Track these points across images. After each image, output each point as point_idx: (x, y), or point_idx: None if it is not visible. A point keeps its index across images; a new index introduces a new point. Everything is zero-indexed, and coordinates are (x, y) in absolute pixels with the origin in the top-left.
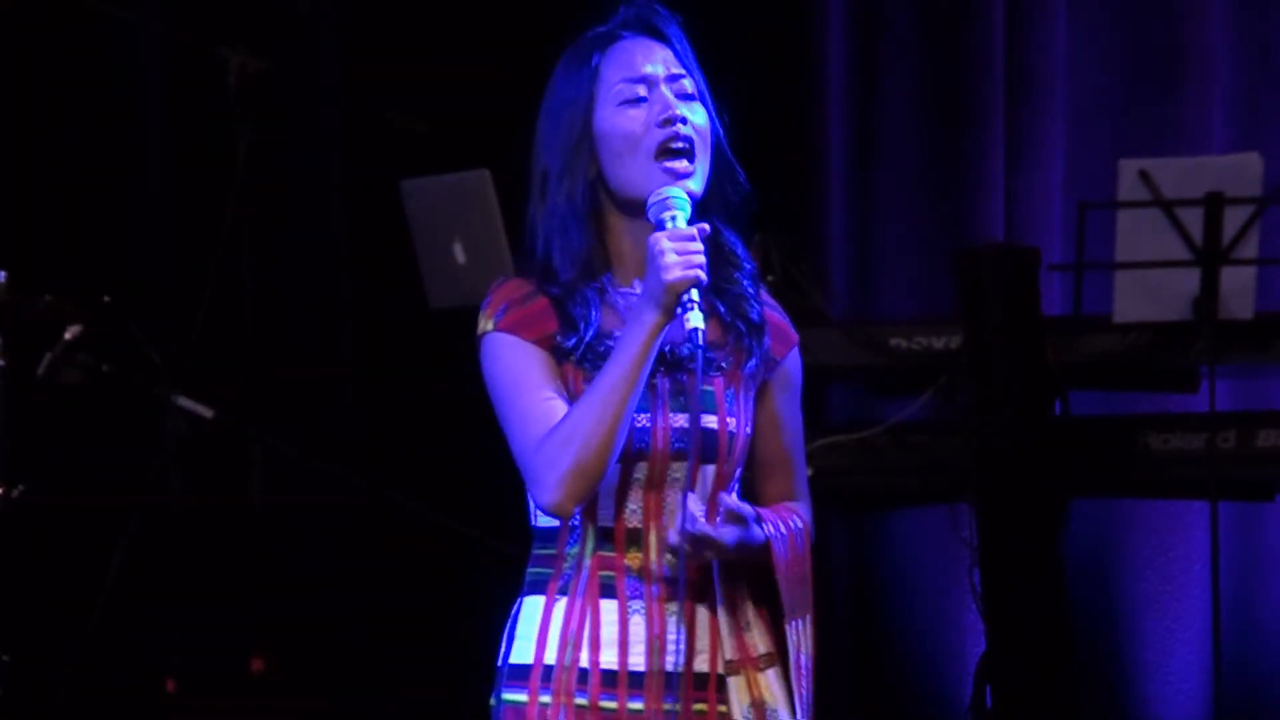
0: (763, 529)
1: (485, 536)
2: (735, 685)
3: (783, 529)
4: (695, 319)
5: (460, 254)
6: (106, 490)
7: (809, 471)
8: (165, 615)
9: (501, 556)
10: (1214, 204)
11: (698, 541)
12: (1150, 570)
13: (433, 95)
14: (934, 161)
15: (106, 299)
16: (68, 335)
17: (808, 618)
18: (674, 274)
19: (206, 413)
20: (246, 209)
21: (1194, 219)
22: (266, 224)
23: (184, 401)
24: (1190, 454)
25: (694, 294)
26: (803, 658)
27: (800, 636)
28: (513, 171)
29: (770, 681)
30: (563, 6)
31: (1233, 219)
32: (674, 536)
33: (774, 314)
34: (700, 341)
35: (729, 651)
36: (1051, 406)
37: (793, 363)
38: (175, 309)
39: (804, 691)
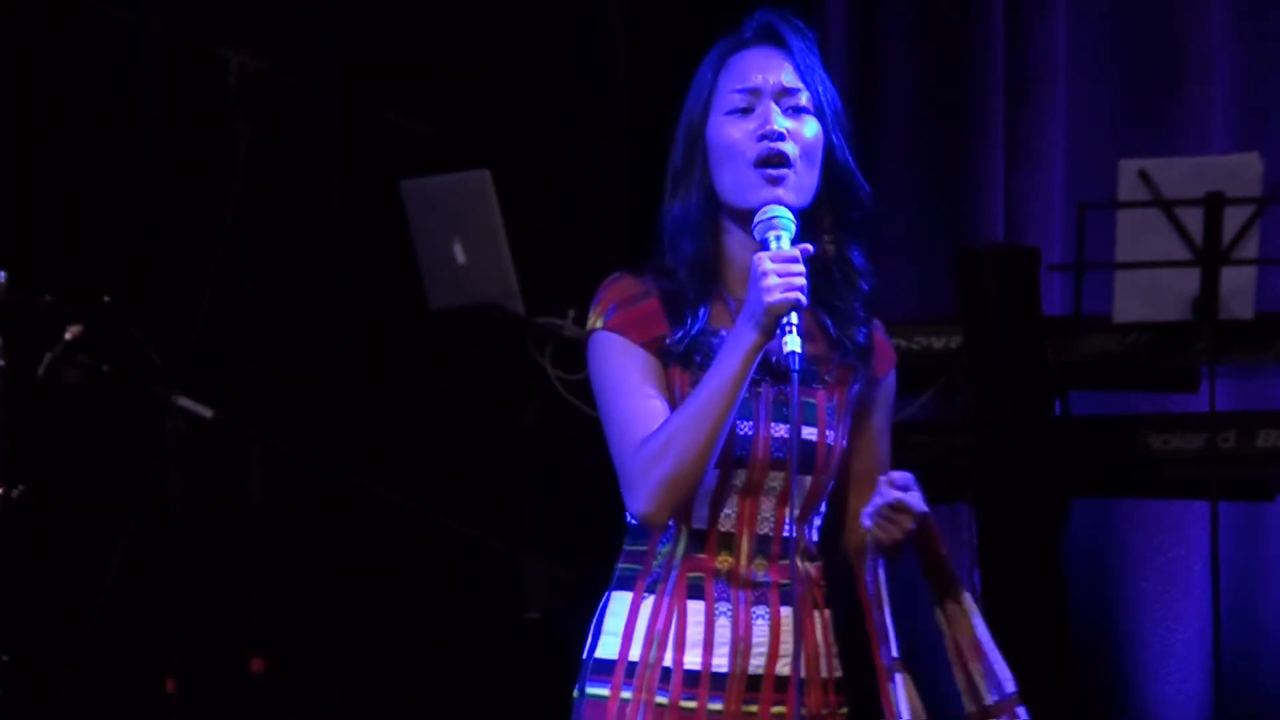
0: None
1: (485, 536)
2: (904, 682)
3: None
4: (793, 343)
5: (460, 254)
6: (106, 490)
7: None
8: (165, 615)
9: (500, 556)
10: (1214, 204)
11: (895, 511)
12: (1150, 570)
13: (433, 95)
14: (934, 161)
15: (106, 299)
16: (68, 335)
17: (967, 594)
18: (774, 296)
19: (206, 413)
20: (246, 209)
21: (1194, 219)
22: (266, 224)
23: (184, 401)
24: (1190, 454)
25: (793, 317)
26: (984, 630)
27: (973, 611)
28: (513, 171)
29: (907, 688)
30: (563, 6)
31: (1233, 219)
32: (867, 519)
33: (879, 335)
34: (797, 365)
35: (895, 649)
36: (1051, 406)
37: (889, 382)
38: (175, 309)
39: (996, 663)
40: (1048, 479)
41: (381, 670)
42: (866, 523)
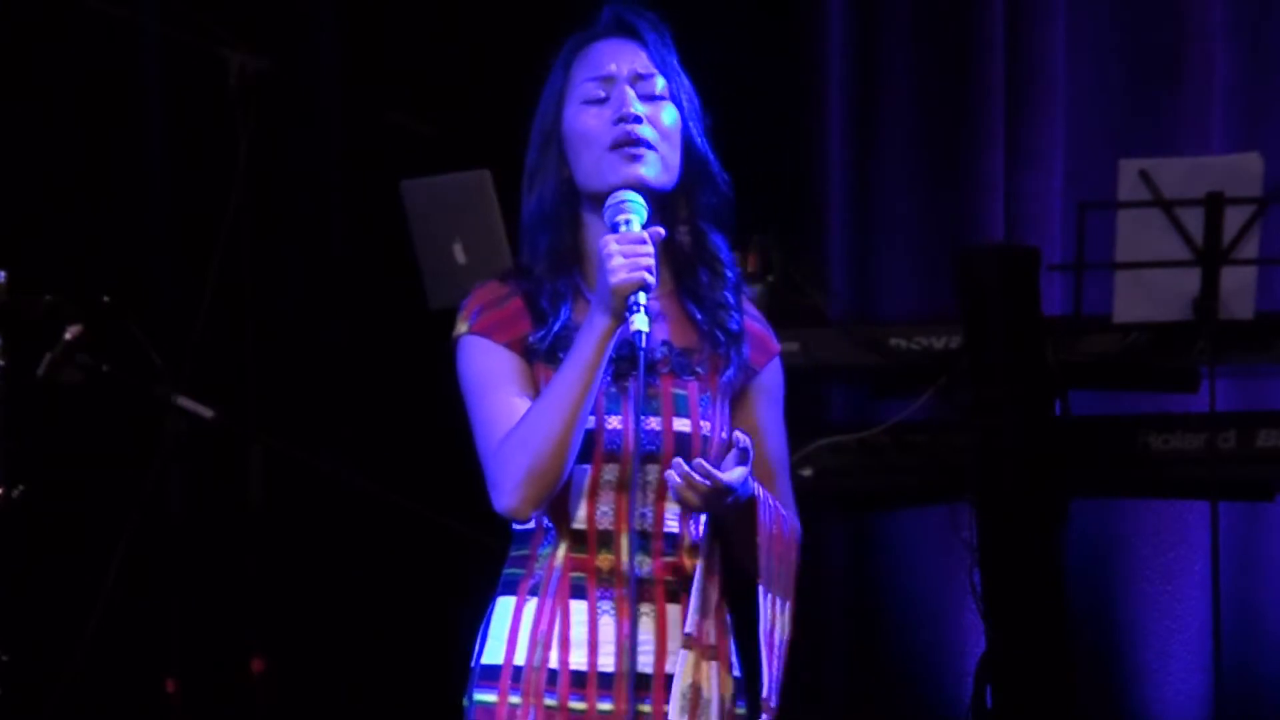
0: (757, 488)
1: (485, 536)
2: (685, 660)
3: (772, 502)
4: (640, 322)
5: (460, 254)
6: (106, 490)
7: (808, 473)
8: (165, 615)
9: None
10: (1214, 204)
11: (704, 486)
12: (1150, 570)
13: (433, 95)
14: (934, 161)
15: (106, 299)
16: (68, 335)
17: (788, 604)
18: (620, 276)
19: (206, 413)
20: (246, 209)
21: (1194, 219)
22: (266, 224)
23: (184, 401)
24: (1190, 454)
25: (641, 297)
26: (776, 635)
27: (775, 613)
28: (513, 171)
29: (711, 673)
30: (562, 6)
31: (1233, 219)
32: (673, 476)
33: (755, 324)
34: (643, 344)
35: (690, 625)
36: (1051, 406)
37: (773, 372)
38: (175, 309)
39: (774, 671)
40: (1048, 479)
41: (381, 670)
42: (671, 480)
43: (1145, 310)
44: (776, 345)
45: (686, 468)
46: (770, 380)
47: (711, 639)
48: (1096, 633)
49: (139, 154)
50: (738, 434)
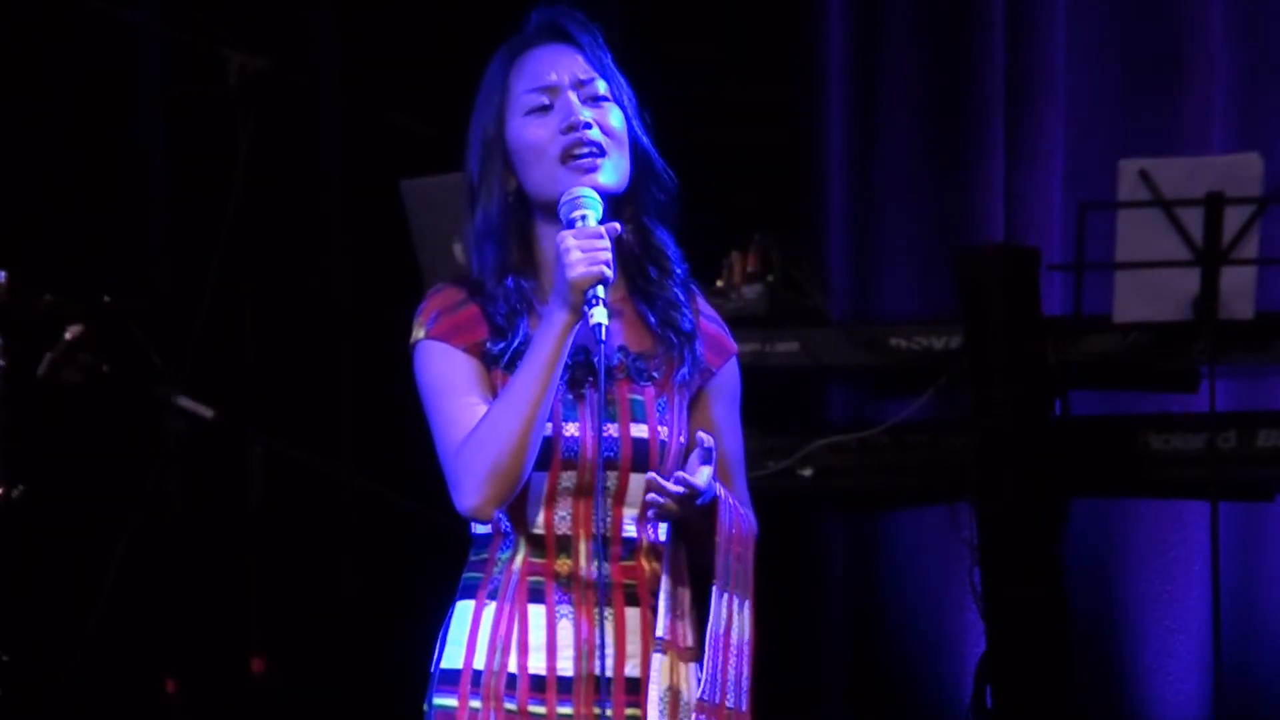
0: (718, 488)
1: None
2: (660, 664)
3: (732, 501)
4: (599, 315)
5: (460, 254)
6: (106, 490)
7: (808, 473)
8: (165, 615)
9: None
10: (1214, 204)
11: (680, 494)
12: (1150, 570)
13: (433, 95)
14: (934, 161)
15: (106, 299)
16: (68, 335)
17: (748, 603)
18: (578, 270)
19: (206, 413)
20: (246, 209)
21: (1194, 219)
22: (266, 224)
23: (184, 401)
24: (1190, 454)
25: (600, 290)
26: (733, 635)
27: (733, 614)
28: None
29: (690, 674)
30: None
31: (1233, 219)
32: (653, 493)
33: (710, 324)
34: (603, 337)
35: (662, 629)
36: (1051, 406)
37: (729, 373)
38: (175, 309)
39: (738, 673)
40: (1048, 479)
41: (381, 670)
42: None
43: (1145, 310)
44: (733, 345)
45: (662, 481)
46: (727, 380)
47: (688, 640)
48: (1096, 633)
49: (139, 154)
50: (700, 434)
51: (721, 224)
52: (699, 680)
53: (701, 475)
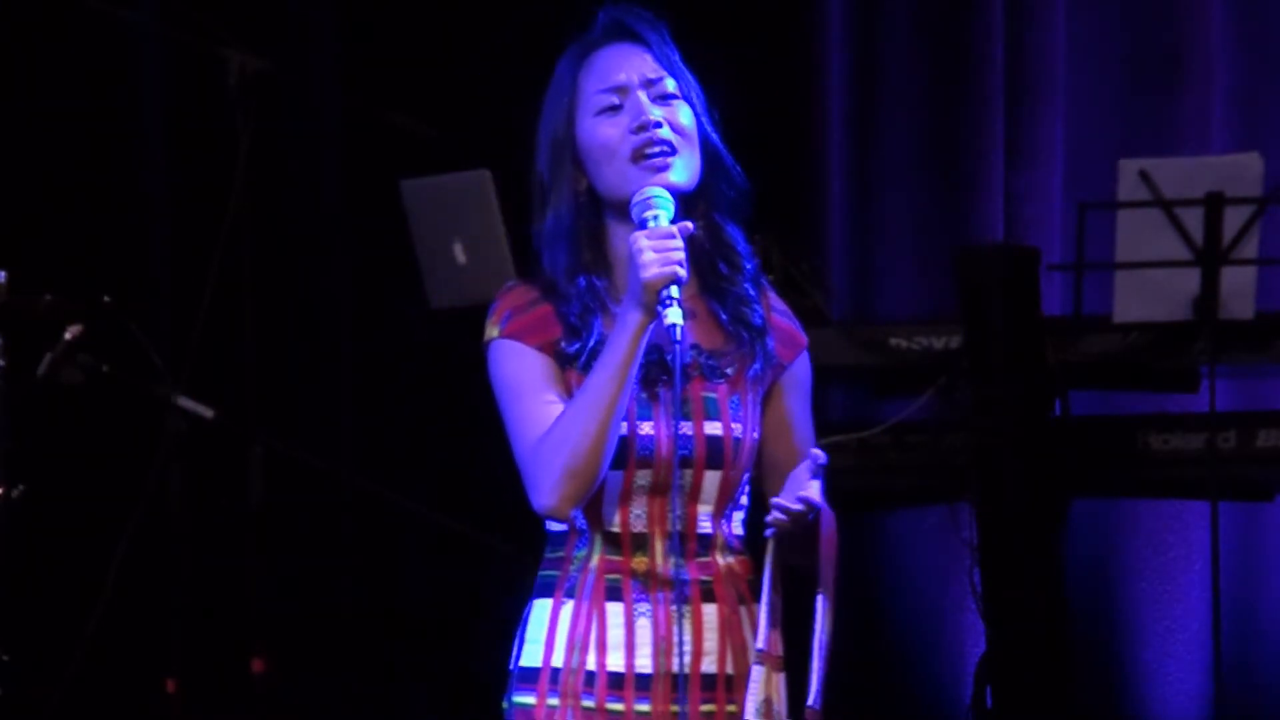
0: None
1: (485, 536)
2: (759, 675)
3: (827, 507)
4: (674, 315)
5: (460, 254)
6: (106, 490)
7: None
8: (165, 615)
9: (501, 556)
10: (1214, 204)
11: (804, 514)
12: (1150, 570)
13: (433, 95)
14: (934, 161)
15: (106, 299)
16: (68, 335)
17: (830, 603)
18: (651, 271)
19: (206, 413)
20: (246, 209)
21: (1194, 219)
22: (266, 224)
23: (184, 401)
24: (1190, 454)
25: (673, 290)
26: (824, 636)
27: (825, 616)
28: (513, 171)
29: (780, 683)
30: (561, 6)
31: (1233, 219)
32: (776, 516)
33: (781, 319)
34: (678, 337)
35: (763, 641)
36: (1051, 406)
37: (801, 366)
38: (175, 309)
39: (820, 672)
40: (1048, 479)
41: (381, 670)
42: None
43: (1145, 310)
44: (804, 338)
45: (786, 503)
46: (800, 373)
47: (780, 650)
48: (1096, 633)
49: (139, 154)
50: (814, 450)
51: None
52: (808, 688)
53: (814, 490)
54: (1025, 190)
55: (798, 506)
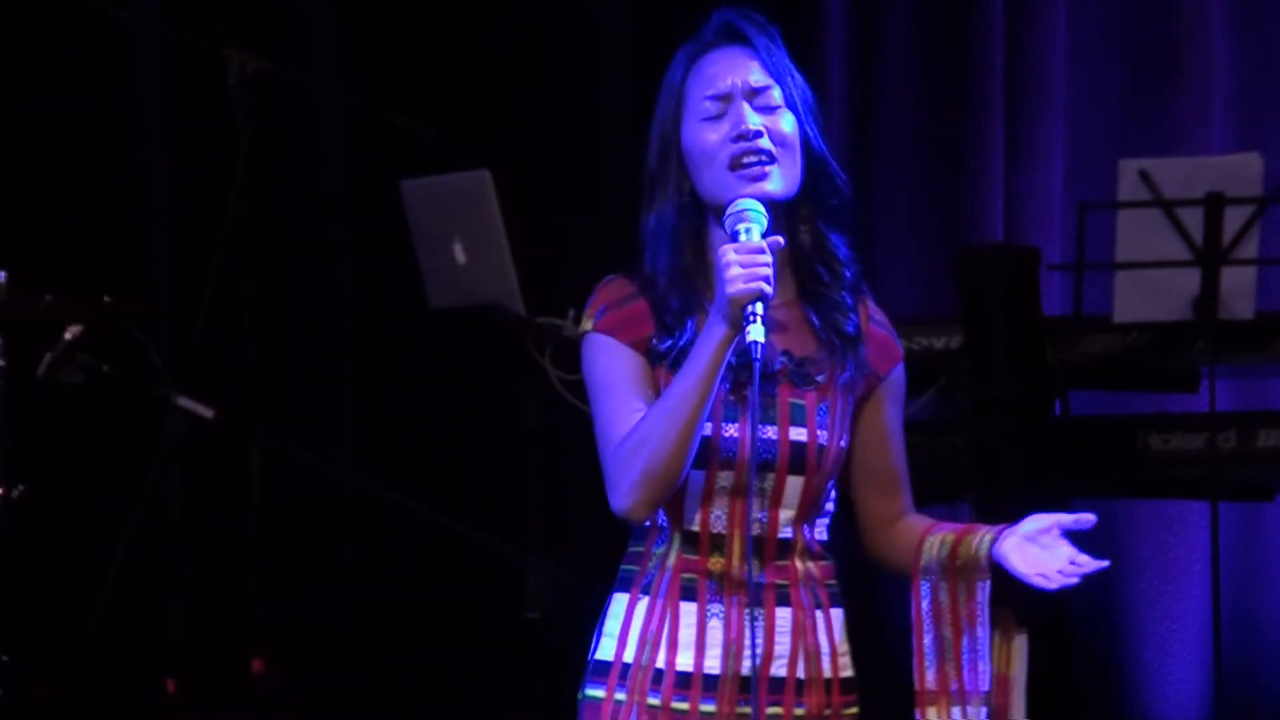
0: None
1: (485, 536)
2: (931, 716)
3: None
4: (755, 333)
5: (460, 254)
6: (106, 490)
7: None
8: (165, 615)
9: (501, 557)
10: (1214, 204)
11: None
12: (1150, 570)
13: (433, 95)
14: (934, 162)
15: (106, 299)
16: (68, 335)
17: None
18: (737, 286)
19: (206, 413)
20: (246, 209)
21: (1194, 219)
22: (266, 224)
23: (184, 401)
24: (1190, 454)
25: (758, 307)
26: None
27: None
28: (513, 171)
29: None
30: (562, 5)
31: (1233, 219)
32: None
33: (879, 329)
34: (759, 355)
35: (931, 680)
36: (1051, 406)
37: (898, 376)
38: (175, 309)
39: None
40: (1048, 479)
41: (382, 670)
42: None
43: (1145, 310)
44: (900, 349)
45: (1089, 562)
46: (895, 385)
47: (952, 683)
48: (1096, 633)
49: (139, 154)
50: (1084, 516)
51: None
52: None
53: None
54: (1025, 190)
55: (1098, 563)
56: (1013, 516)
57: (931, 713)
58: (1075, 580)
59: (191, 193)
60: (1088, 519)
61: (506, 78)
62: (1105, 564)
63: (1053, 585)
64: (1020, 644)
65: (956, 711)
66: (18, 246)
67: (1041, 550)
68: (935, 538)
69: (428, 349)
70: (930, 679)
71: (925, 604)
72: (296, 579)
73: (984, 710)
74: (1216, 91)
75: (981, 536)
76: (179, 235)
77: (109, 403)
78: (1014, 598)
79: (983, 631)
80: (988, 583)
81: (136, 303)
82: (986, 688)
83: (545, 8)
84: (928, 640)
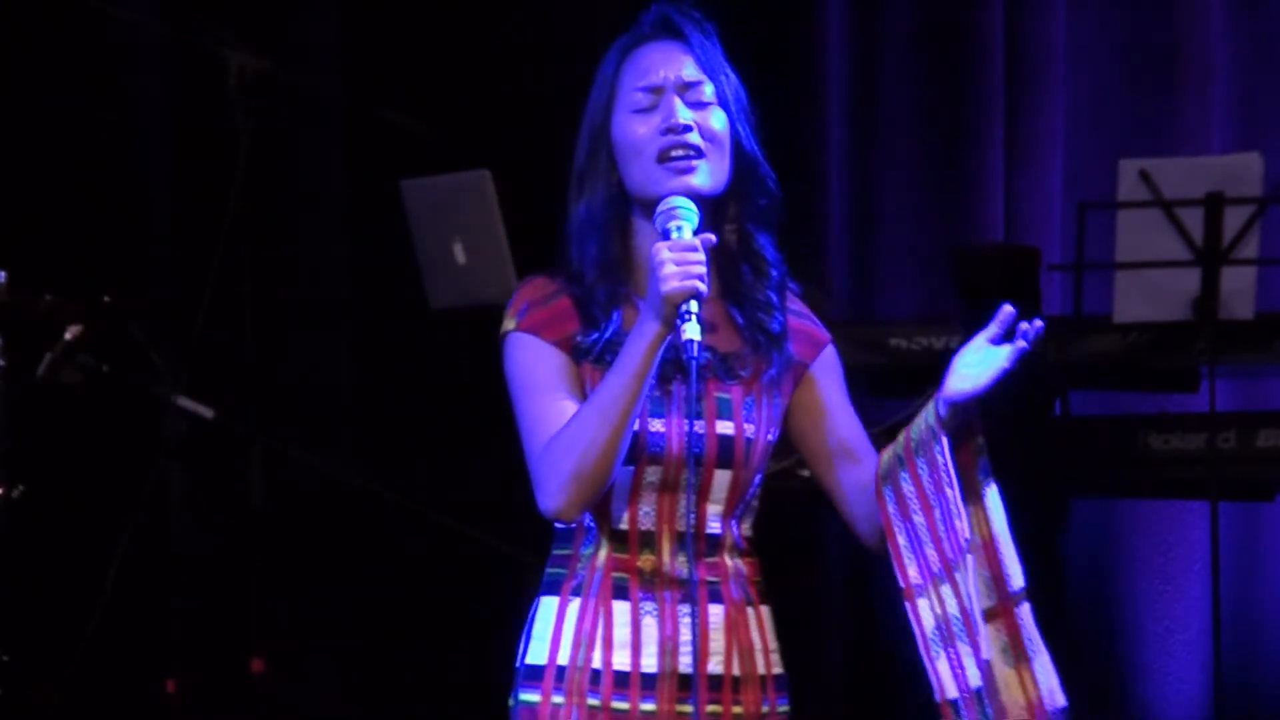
0: None
1: (485, 536)
2: (972, 564)
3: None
4: (691, 331)
5: (460, 254)
6: (106, 490)
7: (808, 472)
8: (165, 615)
9: (501, 557)
10: (1214, 204)
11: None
12: (1150, 570)
13: (433, 95)
14: (934, 161)
15: (106, 299)
16: (68, 335)
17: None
18: (671, 285)
19: (206, 413)
20: (246, 209)
21: (1194, 219)
22: (266, 224)
23: (184, 401)
24: (1190, 454)
25: (693, 305)
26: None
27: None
28: (513, 171)
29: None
30: (562, 7)
31: (1233, 219)
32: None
33: (802, 321)
34: (695, 353)
35: (915, 574)
36: (1051, 406)
37: (828, 358)
38: (175, 309)
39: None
40: (1048, 479)
41: (380, 669)
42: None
43: (1145, 310)
44: (826, 336)
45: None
46: (827, 365)
47: (936, 564)
48: (1097, 633)
49: (139, 154)
50: (1006, 308)
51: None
52: (1004, 574)
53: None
54: (1025, 190)
55: (1037, 325)
56: (1013, 516)
57: (922, 604)
58: (1026, 346)
59: (191, 193)
60: (1009, 311)
61: (506, 78)
62: (1039, 324)
63: (1008, 364)
64: (992, 497)
65: (946, 589)
66: (18, 246)
67: (983, 360)
68: (887, 450)
69: (428, 349)
70: (914, 573)
71: (892, 508)
72: (296, 579)
73: (970, 559)
74: (1216, 91)
75: (924, 408)
76: (179, 235)
77: (109, 403)
78: (974, 422)
79: (951, 491)
80: (944, 438)
81: (136, 303)
82: (969, 538)
83: (545, 8)
84: (902, 540)
